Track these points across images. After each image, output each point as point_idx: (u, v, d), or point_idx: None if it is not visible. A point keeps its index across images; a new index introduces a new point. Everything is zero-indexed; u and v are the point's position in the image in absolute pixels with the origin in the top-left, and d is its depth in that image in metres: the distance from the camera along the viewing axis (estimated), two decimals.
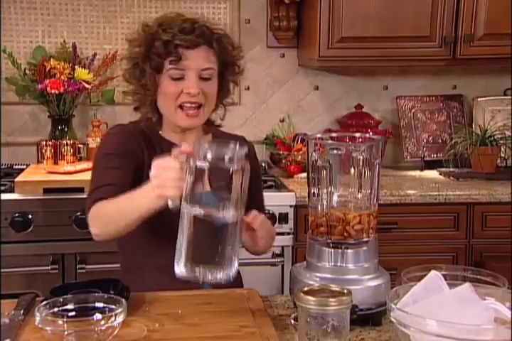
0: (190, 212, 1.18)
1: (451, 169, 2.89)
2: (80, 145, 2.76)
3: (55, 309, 1.23)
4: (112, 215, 1.44)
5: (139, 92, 1.62)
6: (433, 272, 1.23)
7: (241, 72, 1.70)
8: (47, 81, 2.67)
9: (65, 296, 1.26)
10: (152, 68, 1.57)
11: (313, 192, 1.38)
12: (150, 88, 1.59)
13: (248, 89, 3.05)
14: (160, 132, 1.67)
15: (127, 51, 1.63)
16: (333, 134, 1.55)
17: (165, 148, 1.62)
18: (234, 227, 1.20)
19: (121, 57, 2.64)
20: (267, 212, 1.87)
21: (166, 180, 1.26)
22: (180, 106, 1.57)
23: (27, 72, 2.79)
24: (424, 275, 1.22)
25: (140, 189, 1.37)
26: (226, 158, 1.18)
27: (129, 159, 1.57)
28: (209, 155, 1.17)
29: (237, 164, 1.18)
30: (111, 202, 1.45)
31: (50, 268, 2.29)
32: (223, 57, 1.61)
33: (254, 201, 1.62)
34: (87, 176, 2.41)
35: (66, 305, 1.24)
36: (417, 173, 2.95)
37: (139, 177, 1.53)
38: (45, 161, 2.65)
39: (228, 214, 1.18)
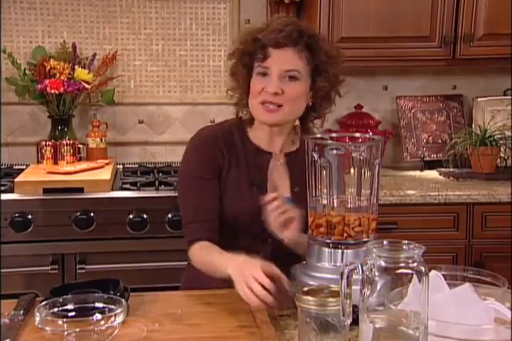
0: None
1: (451, 169, 2.89)
2: (79, 146, 2.75)
3: (55, 309, 1.23)
4: (203, 267, 1.56)
5: (236, 89, 1.68)
6: (433, 272, 1.22)
7: (339, 81, 1.69)
8: (47, 81, 2.67)
9: (64, 296, 1.26)
10: (243, 65, 1.62)
11: (313, 193, 1.38)
12: (242, 85, 1.64)
13: None
14: (248, 133, 1.69)
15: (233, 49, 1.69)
16: (333, 134, 1.55)
17: (249, 152, 1.66)
18: None
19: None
20: None
21: (249, 288, 1.31)
22: (262, 103, 1.59)
23: (27, 72, 2.78)
24: None
25: (223, 257, 1.46)
26: None
27: (215, 177, 1.63)
28: None
29: None
30: (202, 255, 1.56)
31: (49, 268, 2.29)
32: (314, 61, 1.61)
33: None
34: (87, 176, 2.45)
35: (66, 305, 1.25)
36: (416, 173, 2.95)
37: (220, 183, 1.63)
38: (44, 161, 2.65)
39: None
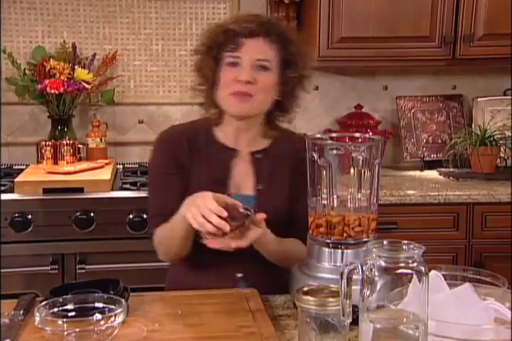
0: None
1: (451, 169, 2.89)
2: (79, 146, 2.75)
3: (55, 309, 1.23)
4: (165, 243, 1.58)
5: (203, 85, 1.65)
6: (433, 272, 1.22)
7: (306, 75, 1.67)
8: (46, 81, 2.67)
9: (64, 296, 1.26)
10: (212, 58, 1.60)
11: (313, 193, 1.38)
12: (209, 78, 1.61)
13: None
14: (215, 131, 1.68)
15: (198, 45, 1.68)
16: (333, 134, 1.54)
17: (212, 150, 1.66)
18: None
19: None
20: None
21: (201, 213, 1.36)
22: (233, 94, 1.57)
23: (27, 72, 2.78)
24: None
25: (178, 214, 1.49)
26: None
27: (178, 172, 1.64)
28: None
29: None
30: (160, 232, 1.59)
31: (49, 268, 2.29)
32: (284, 52, 1.61)
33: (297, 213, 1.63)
34: (87, 176, 2.45)
35: (66, 305, 1.24)
36: (416, 173, 2.95)
37: (185, 180, 1.63)
38: (44, 161, 2.65)
39: None
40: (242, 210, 1.40)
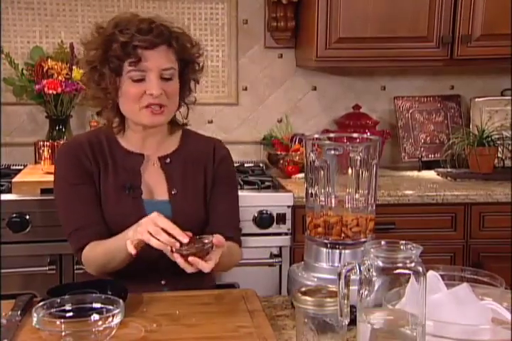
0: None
1: (449, 169, 2.89)
2: None
3: (53, 310, 1.23)
4: (103, 260, 1.52)
5: (99, 96, 1.59)
6: (431, 272, 1.23)
7: (201, 69, 1.67)
8: (44, 81, 2.67)
9: (62, 297, 1.26)
10: (112, 71, 1.54)
11: (311, 193, 1.38)
12: (111, 91, 1.56)
13: (246, 89, 3.05)
14: (118, 138, 1.65)
15: (83, 55, 1.61)
16: (331, 135, 1.55)
17: (118, 156, 1.63)
18: None
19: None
20: (241, 227, 1.78)
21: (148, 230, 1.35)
22: (146, 106, 1.55)
23: (24, 72, 2.78)
24: None
25: (119, 236, 1.47)
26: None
27: (87, 181, 1.60)
28: None
29: None
30: (97, 247, 1.54)
31: (47, 268, 2.29)
32: (183, 55, 1.59)
33: (218, 213, 1.63)
34: None
35: (63, 305, 1.24)
36: (414, 174, 2.95)
37: (95, 189, 1.60)
38: (42, 162, 2.64)
39: None
40: (198, 241, 1.37)
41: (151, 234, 1.34)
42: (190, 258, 1.33)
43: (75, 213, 1.59)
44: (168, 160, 1.65)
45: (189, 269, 1.35)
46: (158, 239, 1.34)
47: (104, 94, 1.58)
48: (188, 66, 1.62)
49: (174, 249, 1.34)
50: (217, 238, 1.37)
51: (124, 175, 1.61)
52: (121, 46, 1.51)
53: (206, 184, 1.66)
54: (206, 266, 1.34)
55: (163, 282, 1.62)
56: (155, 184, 1.64)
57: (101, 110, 1.65)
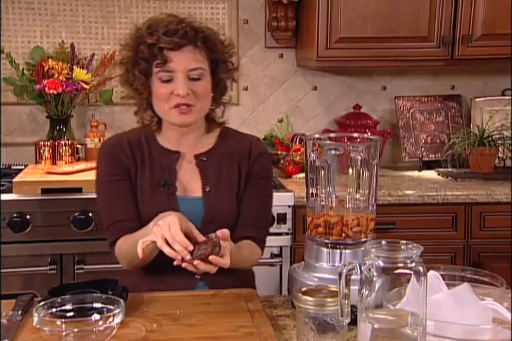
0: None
1: (450, 169, 2.89)
2: (78, 146, 2.75)
3: (53, 309, 1.23)
4: (131, 253, 1.52)
5: (134, 97, 1.64)
6: (431, 272, 1.23)
7: (236, 68, 1.68)
8: (45, 81, 2.67)
9: (63, 297, 1.26)
10: (141, 72, 1.58)
11: (312, 193, 1.38)
12: (142, 92, 1.60)
13: (246, 89, 3.05)
14: (157, 137, 1.68)
15: (120, 56, 1.64)
16: (332, 134, 1.55)
17: (155, 153, 1.66)
18: None
19: (114, 62, 2.68)
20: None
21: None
22: (175, 106, 1.57)
23: (25, 72, 2.78)
24: None
25: (144, 229, 1.49)
26: None
27: (126, 178, 1.63)
28: None
29: None
30: (126, 241, 1.57)
31: (48, 268, 2.29)
32: (212, 55, 1.60)
33: (247, 212, 1.64)
34: (85, 176, 2.45)
35: (64, 305, 1.24)
36: (415, 173, 2.95)
37: (133, 185, 1.63)
38: (43, 161, 2.65)
39: None
40: (205, 240, 1.38)
41: (166, 240, 1.35)
42: (210, 257, 1.34)
43: (112, 207, 1.62)
44: (203, 158, 1.67)
45: (209, 269, 1.36)
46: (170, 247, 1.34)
47: (137, 95, 1.63)
48: (219, 66, 1.63)
49: (186, 258, 1.35)
50: (221, 232, 1.39)
51: (160, 172, 1.64)
52: (148, 48, 1.55)
53: (240, 181, 1.67)
54: (222, 261, 1.36)
55: (198, 277, 1.61)
56: (189, 181, 1.66)
57: (138, 111, 1.68)
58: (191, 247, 1.34)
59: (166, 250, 1.35)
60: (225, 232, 1.40)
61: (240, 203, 1.66)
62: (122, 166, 1.63)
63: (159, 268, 1.57)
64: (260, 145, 1.74)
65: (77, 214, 2.29)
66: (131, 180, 1.63)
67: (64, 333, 1.15)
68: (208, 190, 1.64)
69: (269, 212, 1.73)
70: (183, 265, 1.36)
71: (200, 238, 1.39)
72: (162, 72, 1.55)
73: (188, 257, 1.34)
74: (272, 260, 2.39)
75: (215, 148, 1.69)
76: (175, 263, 1.37)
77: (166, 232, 1.35)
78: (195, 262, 1.34)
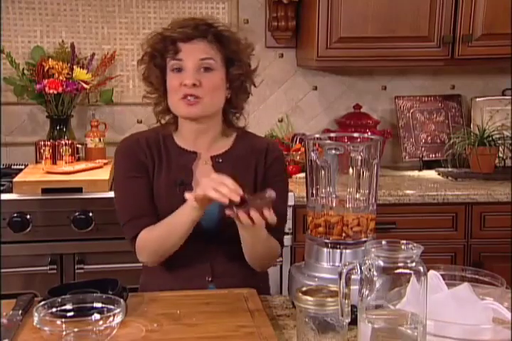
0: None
1: (450, 169, 2.89)
2: (78, 146, 2.75)
3: (54, 309, 1.23)
4: (159, 240, 1.55)
5: (152, 93, 1.67)
6: (431, 272, 1.23)
7: (253, 70, 1.70)
8: (45, 81, 2.67)
9: (63, 296, 1.26)
10: (156, 66, 1.61)
11: (312, 192, 1.39)
12: (158, 87, 1.63)
13: None
14: (174, 137, 1.69)
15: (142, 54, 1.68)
16: (332, 134, 1.55)
17: (172, 153, 1.67)
18: None
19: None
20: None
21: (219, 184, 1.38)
22: (183, 98, 1.58)
23: (25, 72, 2.78)
24: None
25: (177, 211, 1.51)
26: None
27: (143, 175, 1.64)
28: None
29: None
30: (153, 229, 1.57)
31: (48, 268, 2.29)
32: (225, 51, 1.62)
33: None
34: (86, 176, 2.45)
35: (64, 305, 1.24)
36: (415, 173, 2.95)
37: (150, 183, 1.64)
38: (43, 161, 2.65)
39: None
40: (258, 194, 1.41)
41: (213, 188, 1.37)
42: (265, 212, 1.35)
43: (129, 204, 1.63)
44: (219, 160, 1.67)
45: (258, 220, 1.37)
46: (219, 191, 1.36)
47: (154, 90, 1.65)
48: (234, 64, 1.64)
49: (235, 207, 1.36)
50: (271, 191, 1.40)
51: (177, 172, 1.64)
52: (162, 41, 1.59)
53: (256, 184, 1.67)
54: (274, 217, 1.38)
55: (208, 278, 1.62)
56: None
57: (157, 110, 1.69)
58: (241, 191, 1.36)
59: (213, 194, 1.36)
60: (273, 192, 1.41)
61: None
62: (140, 163, 1.64)
63: (171, 266, 1.60)
64: (276, 149, 1.74)
65: (77, 214, 2.29)
66: (148, 177, 1.64)
67: (64, 333, 1.15)
68: None
69: (285, 214, 1.72)
70: (229, 213, 1.37)
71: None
72: (173, 60, 1.58)
73: (238, 199, 1.35)
74: None
75: (231, 150, 1.69)
76: (226, 211, 1.38)
77: (212, 182, 1.38)
78: (252, 212, 1.35)
